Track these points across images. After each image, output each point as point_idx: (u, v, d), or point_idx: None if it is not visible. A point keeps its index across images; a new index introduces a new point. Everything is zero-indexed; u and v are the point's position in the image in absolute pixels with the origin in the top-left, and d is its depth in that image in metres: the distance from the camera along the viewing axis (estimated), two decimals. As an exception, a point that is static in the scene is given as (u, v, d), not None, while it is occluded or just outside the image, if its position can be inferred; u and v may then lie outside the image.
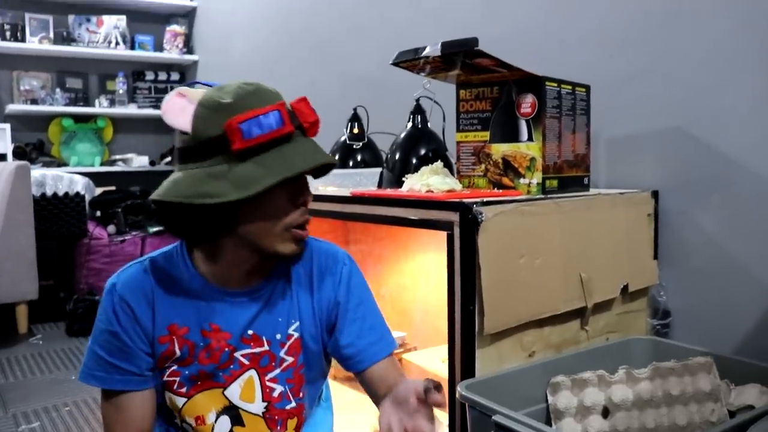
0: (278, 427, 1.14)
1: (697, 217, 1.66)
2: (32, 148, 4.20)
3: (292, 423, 1.16)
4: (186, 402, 1.10)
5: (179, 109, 1.01)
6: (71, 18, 4.31)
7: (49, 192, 3.64)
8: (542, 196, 1.50)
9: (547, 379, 1.35)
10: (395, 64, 1.59)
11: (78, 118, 4.40)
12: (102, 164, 4.43)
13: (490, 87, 1.59)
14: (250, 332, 1.10)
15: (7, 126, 4.03)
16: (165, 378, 1.10)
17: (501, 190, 1.57)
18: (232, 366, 1.10)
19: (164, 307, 1.07)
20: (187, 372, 1.09)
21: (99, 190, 4.00)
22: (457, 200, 1.37)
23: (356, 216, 1.67)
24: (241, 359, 1.11)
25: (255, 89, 1.02)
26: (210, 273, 1.09)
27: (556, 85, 1.53)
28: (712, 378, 1.35)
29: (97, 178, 4.10)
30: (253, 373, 1.12)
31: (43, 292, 3.42)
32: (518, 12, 2.16)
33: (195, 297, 1.09)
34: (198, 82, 1.09)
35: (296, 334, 1.14)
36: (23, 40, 4.16)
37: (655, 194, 1.71)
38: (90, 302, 3.45)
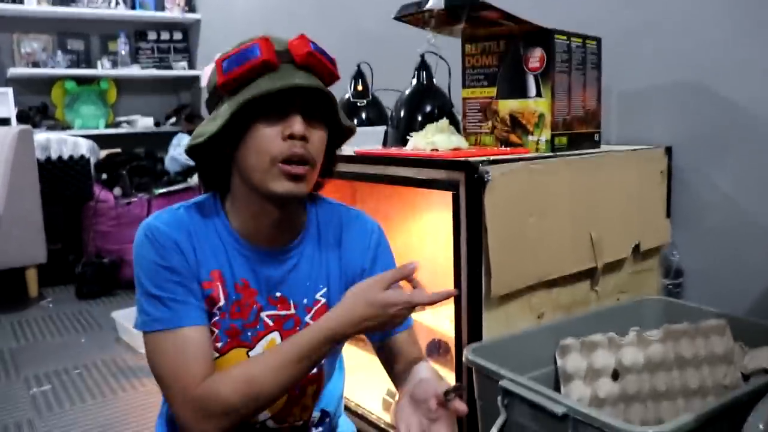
0: (296, 392, 1.12)
1: (712, 174, 1.60)
2: (36, 111, 4.16)
3: (311, 389, 1.14)
4: (218, 358, 1.07)
5: (207, 72, 1.04)
6: (69, -23, 4.22)
7: (53, 155, 3.62)
8: (551, 153, 1.45)
9: (557, 341, 1.32)
10: (398, 18, 1.53)
11: (81, 81, 4.34)
12: (107, 126, 4.39)
13: (497, 41, 1.53)
14: (277, 294, 1.09)
15: (10, 90, 3.98)
16: None
17: (509, 148, 1.52)
18: (258, 326, 1.08)
19: (204, 252, 1.04)
20: (224, 324, 1.06)
21: (104, 153, 3.97)
22: (463, 159, 1.32)
23: (360, 176, 1.63)
24: (267, 320, 1.09)
25: (256, 37, 1.01)
26: (238, 226, 1.07)
27: (565, 38, 1.47)
28: (726, 340, 1.32)
29: (102, 141, 4.06)
30: (276, 335, 1.10)
31: (52, 255, 3.42)
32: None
33: (228, 249, 1.06)
34: None
35: (323, 300, 1.12)
36: (21, 1, 4.08)
37: (669, 150, 1.65)
38: (98, 265, 3.46)
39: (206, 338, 1.02)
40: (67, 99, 4.33)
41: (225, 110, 0.98)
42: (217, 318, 1.06)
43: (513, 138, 1.53)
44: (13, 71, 4.08)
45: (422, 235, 2.27)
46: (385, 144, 1.92)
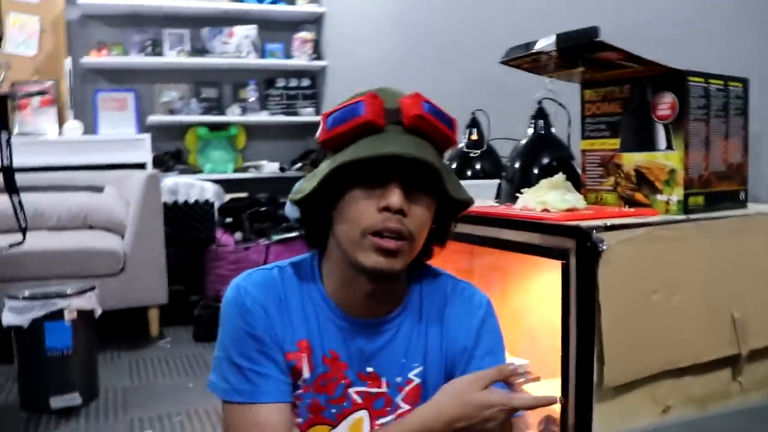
0: None
1: None
2: (170, 156, 4.37)
3: None
4: None
5: None
6: (205, 31, 4.45)
7: (180, 199, 3.76)
8: (684, 216, 1.26)
9: (687, 444, 1.10)
10: (505, 62, 1.39)
11: (212, 127, 4.53)
12: (234, 171, 4.53)
13: (620, 86, 1.36)
14: (369, 369, 1.02)
15: (148, 136, 4.21)
16: None
17: (633, 209, 1.33)
18: (344, 403, 1.01)
19: (292, 319, 0.99)
20: (306, 399, 1.00)
21: (228, 197, 4.07)
22: (574, 223, 1.15)
23: (460, 236, 1.47)
24: (355, 397, 1.01)
25: (371, 90, 0.95)
26: (332, 292, 1.01)
27: (702, 80, 1.27)
28: None
29: (229, 185, 4.20)
30: (364, 414, 1.02)
31: (175, 296, 3.52)
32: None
33: (319, 316, 1.00)
34: None
35: (417, 380, 1.03)
36: (162, 54, 4.34)
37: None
38: (215, 309, 3.51)
39: (286, 417, 0.96)
40: (200, 144, 4.53)
41: (323, 169, 0.93)
42: (300, 392, 0.99)
43: (639, 197, 1.33)
44: (152, 119, 4.32)
45: (541, 294, 2.07)
46: (498, 199, 1.77)
